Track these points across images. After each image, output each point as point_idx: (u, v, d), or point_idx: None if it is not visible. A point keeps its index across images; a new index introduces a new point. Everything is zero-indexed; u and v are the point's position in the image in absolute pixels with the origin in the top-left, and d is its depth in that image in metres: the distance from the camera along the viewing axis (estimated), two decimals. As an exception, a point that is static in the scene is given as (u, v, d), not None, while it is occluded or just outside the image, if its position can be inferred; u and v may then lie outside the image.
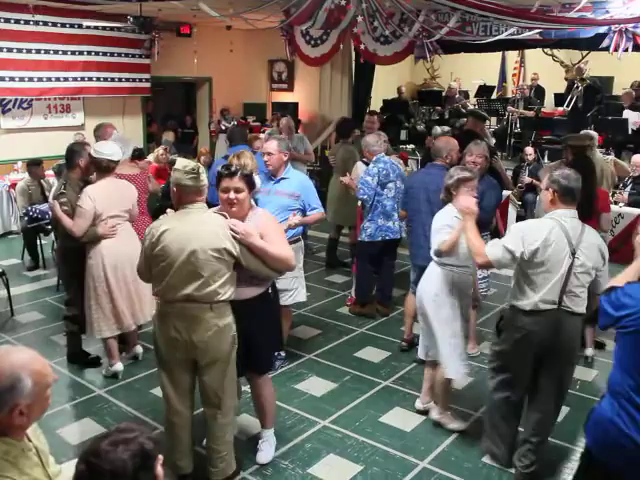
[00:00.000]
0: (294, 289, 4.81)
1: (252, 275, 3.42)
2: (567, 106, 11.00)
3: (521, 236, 3.31)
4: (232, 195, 3.38)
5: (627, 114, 9.84)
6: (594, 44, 8.16)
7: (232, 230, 3.26)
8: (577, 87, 10.82)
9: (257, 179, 3.64)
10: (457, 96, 12.91)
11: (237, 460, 3.62)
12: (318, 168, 9.00)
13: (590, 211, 4.82)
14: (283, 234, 3.65)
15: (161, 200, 6.90)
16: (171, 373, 3.42)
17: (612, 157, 8.22)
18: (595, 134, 6.66)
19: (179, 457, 3.49)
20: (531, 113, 11.55)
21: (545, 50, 11.20)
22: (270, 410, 3.85)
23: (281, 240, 3.48)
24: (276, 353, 4.32)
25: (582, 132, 6.94)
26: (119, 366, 4.89)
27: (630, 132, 9.56)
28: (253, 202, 3.64)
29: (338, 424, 4.25)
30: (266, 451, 3.83)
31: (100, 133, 5.58)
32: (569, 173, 3.34)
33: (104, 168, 4.63)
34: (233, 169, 3.43)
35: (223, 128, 12.09)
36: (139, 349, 5.18)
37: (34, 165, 8.11)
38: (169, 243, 3.22)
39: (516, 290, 3.47)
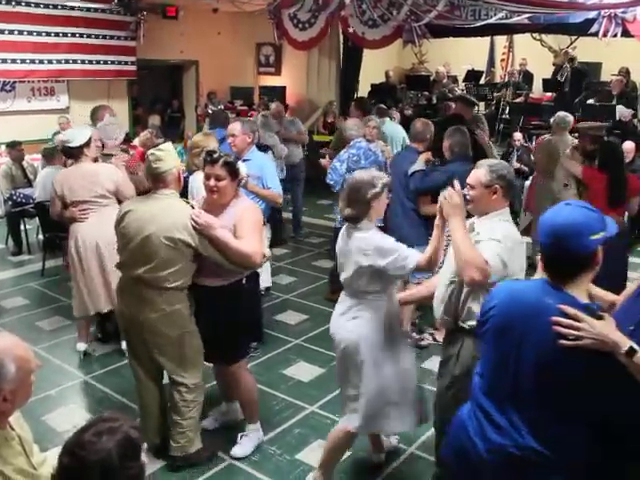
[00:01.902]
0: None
1: (218, 265, 3.37)
2: (561, 78, 10.99)
3: (510, 247, 2.77)
4: (212, 182, 3.35)
5: (619, 109, 9.83)
6: (583, 29, 8.11)
7: (193, 220, 3.21)
8: (565, 67, 10.83)
9: (242, 167, 3.58)
10: (445, 81, 12.86)
11: (205, 449, 3.60)
12: (306, 153, 8.90)
13: (623, 196, 4.82)
14: (258, 229, 3.46)
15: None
16: (132, 346, 3.55)
17: None
18: (571, 117, 6.74)
19: (148, 429, 3.54)
20: (519, 99, 11.56)
21: (534, 35, 11.20)
22: (248, 404, 3.71)
23: (251, 235, 3.30)
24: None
25: (559, 114, 6.93)
26: (81, 346, 4.89)
27: (618, 120, 9.56)
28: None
29: (326, 409, 4.24)
30: (242, 445, 3.71)
31: (97, 116, 5.49)
32: (507, 165, 3.05)
33: (67, 154, 4.77)
34: (216, 156, 3.37)
35: (210, 112, 11.98)
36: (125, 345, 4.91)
37: (11, 147, 8.06)
38: (129, 223, 3.33)
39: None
